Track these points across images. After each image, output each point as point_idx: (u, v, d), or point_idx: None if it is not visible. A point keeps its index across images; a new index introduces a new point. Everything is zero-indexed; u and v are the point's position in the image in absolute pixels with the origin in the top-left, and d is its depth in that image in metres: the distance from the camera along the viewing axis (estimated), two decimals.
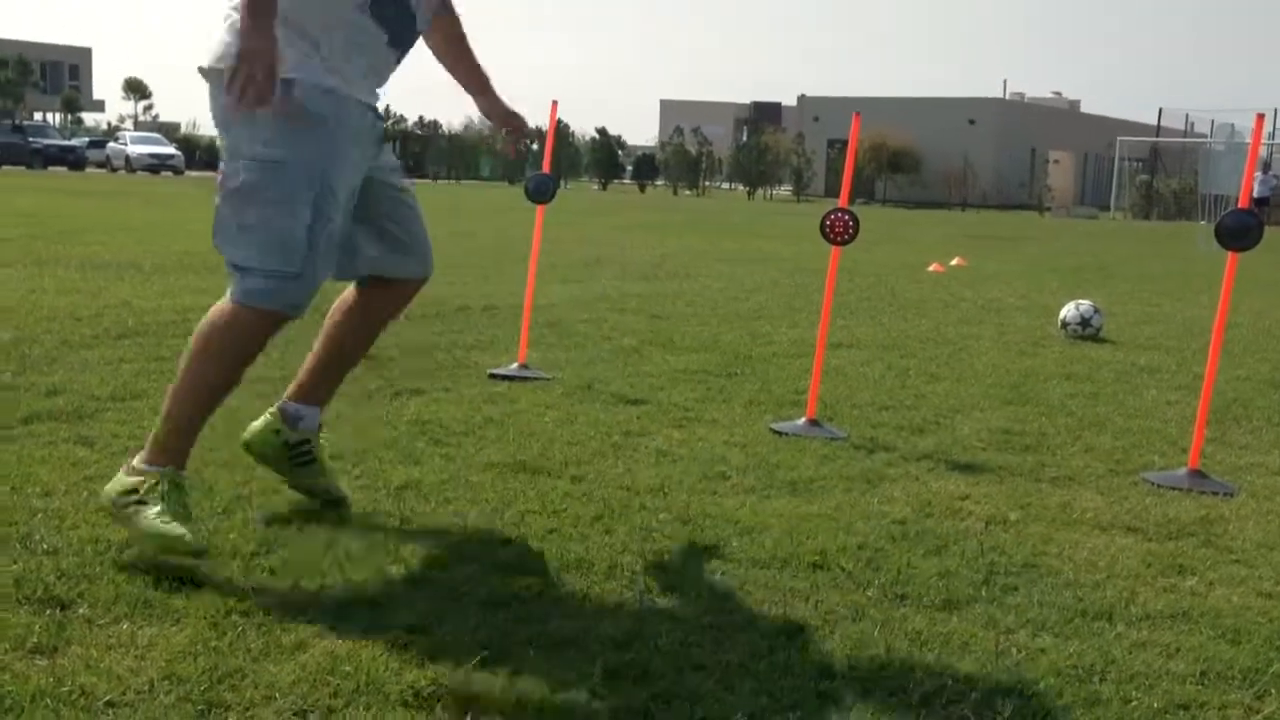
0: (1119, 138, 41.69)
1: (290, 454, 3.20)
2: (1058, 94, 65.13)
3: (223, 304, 2.80)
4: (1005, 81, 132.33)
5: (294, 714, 2.09)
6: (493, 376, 5.30)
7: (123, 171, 44.03)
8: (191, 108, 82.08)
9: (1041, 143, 51.06)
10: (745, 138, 56.29)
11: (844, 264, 6.40)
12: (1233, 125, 33.54)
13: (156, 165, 44.44)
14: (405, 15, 2.90)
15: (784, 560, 3.01)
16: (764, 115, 66.89)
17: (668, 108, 71.96)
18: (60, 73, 67.50)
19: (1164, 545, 3.34)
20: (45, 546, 2.78)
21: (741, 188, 50.83)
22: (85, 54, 73.53)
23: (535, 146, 3.54)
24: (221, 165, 2.78)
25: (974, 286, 11.08)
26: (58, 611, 2.44)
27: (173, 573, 2.64)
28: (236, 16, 2.67)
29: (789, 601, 2.74)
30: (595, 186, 50.86)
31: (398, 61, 2.95)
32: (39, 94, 58.66)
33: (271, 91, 2.55)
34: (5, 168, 38.41)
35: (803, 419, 4.62)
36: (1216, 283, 5.11)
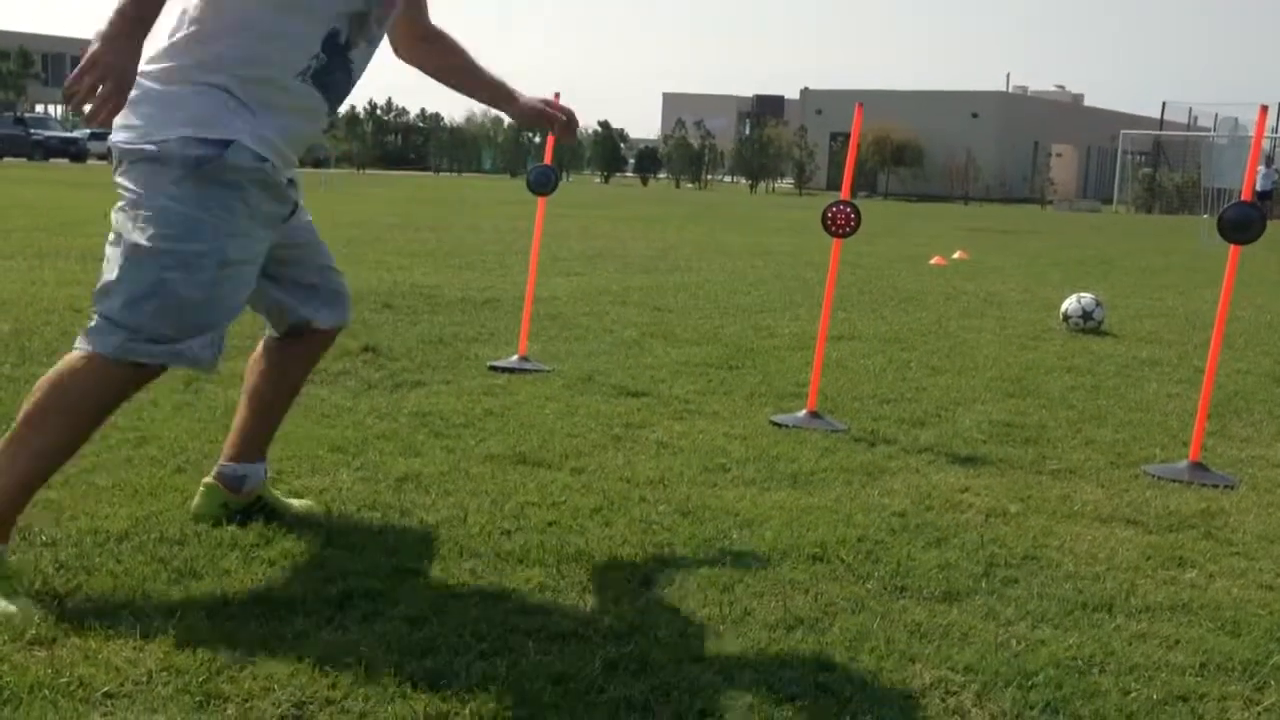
0: (1122, 131, 41.59)
1: (244, 515, 3.00)
2: (1061, 87, 65.05)
3: (84, 356, 2.49)
4: (1008, 75, 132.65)
5: (292, 705, 2.08)
6: (493, 369, 5.30)
7: None
8: None
9: (1044, 136, 50.97)
10: (748, 131, 56.24)
11: (845, 257, 6.39)
12: (1236, 119, 33.42)
13: None
14: (346, 81, 2.69)
15: (784, 552, 3.01)
16: (767, 108, 66.79)
17: (670, 101, 71.88)
18: (62, 65, 67.37)
19: (1164, 538, 3.34)
20: (43, 538, 2.78)
21: (744, 181, 50.75)
22: (87, 46, 73.42)
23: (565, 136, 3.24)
24: (120, 214, 2.51)
25: (975, 279, 11.07)
26: (56, 603, 2.44)
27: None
28: (147, 87, 2.47)
29: (789, 593, 2.74)
30: (597, 180, 50.81)
31: (329, 128, 2.79)
32: (40, 86, 58.55)
33: (117, 112, 2.30)
34: (6, 160, 38.42)
35: (803, 411, 4.62)
36: (1218, 276, 5.10)
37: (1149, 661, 2.46)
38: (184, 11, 2.55)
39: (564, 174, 43.83)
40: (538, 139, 50.89)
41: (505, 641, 2.38)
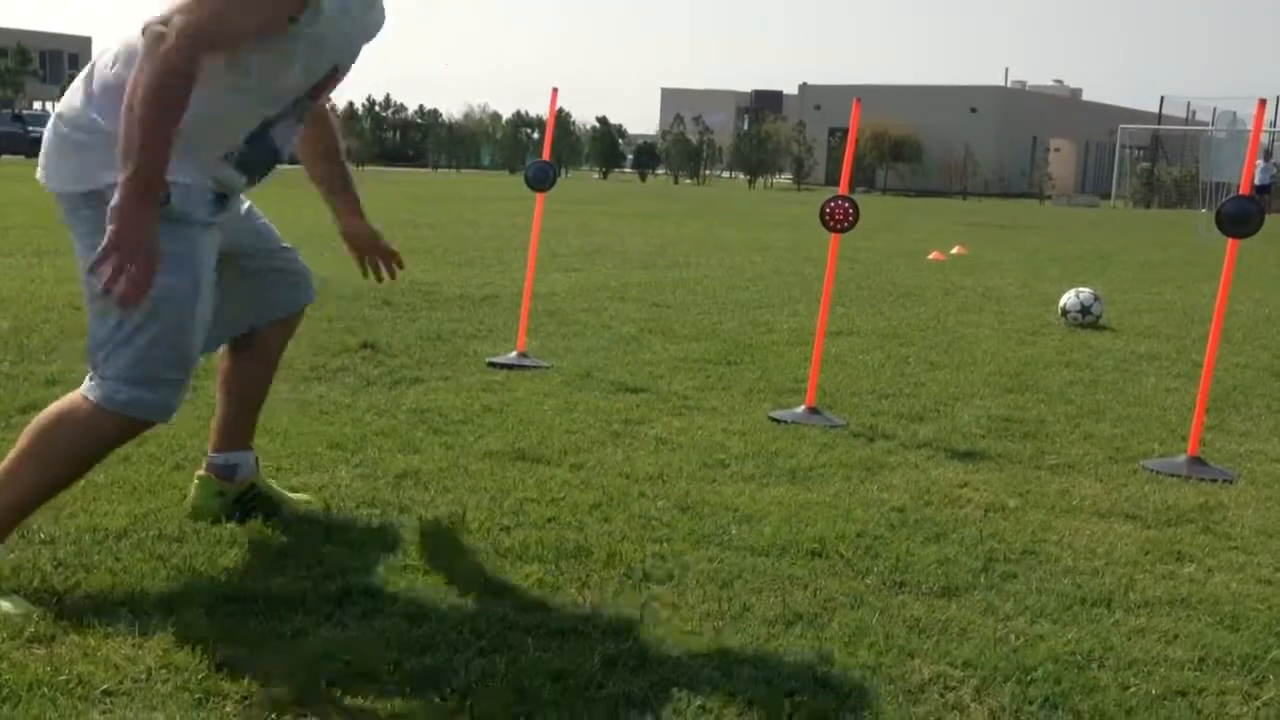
0: (1120, 125, 41.58)
1: (242, 507, 3.00)
2: (1059, 82, 65.00)
3: (82, 403, 2.50)
4: (1007, 70, 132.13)
5: (292, 703, 2.08)
6: (492, 365, 5.30)
7: None
8: None
9: (1043, 131, 50.93)
10: (746, 126, 56.19)
11: (844, 252, 6.38)
12: (1234, 113, 33.39)
13: None
14: (269, 158, 2.67)
15: (783, 548, 3.01)
16: (765, 104, 66.79)
17: (669, 96, 71.83)
18: (60, 62, 67.32)
19: (1163, 532, 3.34)
20: (42, 536, 2.78)
21: (742, 176, 50.71)
22: (85, 43, 73.41)
23: (397, 272, 3.13)
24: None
25: (974, 274, 11.06)
26: (55, 601, 2.44)
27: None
28: (114, 133, 2.31)
29: (787, 589, 2.74)
30: (596, 175, 50.78)
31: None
32: (38, 83, 58.49)
33: (149, 288, 2.27)
34: (5, 157, 38.43)
35: (802, 407, 4.62)
36: (1217, 270, 5.10)
37: (1148, 656, 2.46)
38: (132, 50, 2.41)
39: (562, 170, 43.82)
40: (535, 135, 50.88)
41: (504, 638, 2.38)
